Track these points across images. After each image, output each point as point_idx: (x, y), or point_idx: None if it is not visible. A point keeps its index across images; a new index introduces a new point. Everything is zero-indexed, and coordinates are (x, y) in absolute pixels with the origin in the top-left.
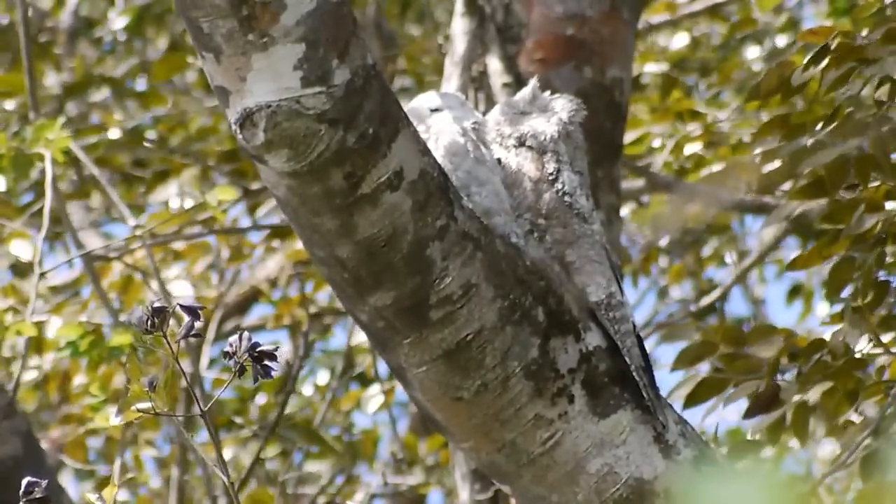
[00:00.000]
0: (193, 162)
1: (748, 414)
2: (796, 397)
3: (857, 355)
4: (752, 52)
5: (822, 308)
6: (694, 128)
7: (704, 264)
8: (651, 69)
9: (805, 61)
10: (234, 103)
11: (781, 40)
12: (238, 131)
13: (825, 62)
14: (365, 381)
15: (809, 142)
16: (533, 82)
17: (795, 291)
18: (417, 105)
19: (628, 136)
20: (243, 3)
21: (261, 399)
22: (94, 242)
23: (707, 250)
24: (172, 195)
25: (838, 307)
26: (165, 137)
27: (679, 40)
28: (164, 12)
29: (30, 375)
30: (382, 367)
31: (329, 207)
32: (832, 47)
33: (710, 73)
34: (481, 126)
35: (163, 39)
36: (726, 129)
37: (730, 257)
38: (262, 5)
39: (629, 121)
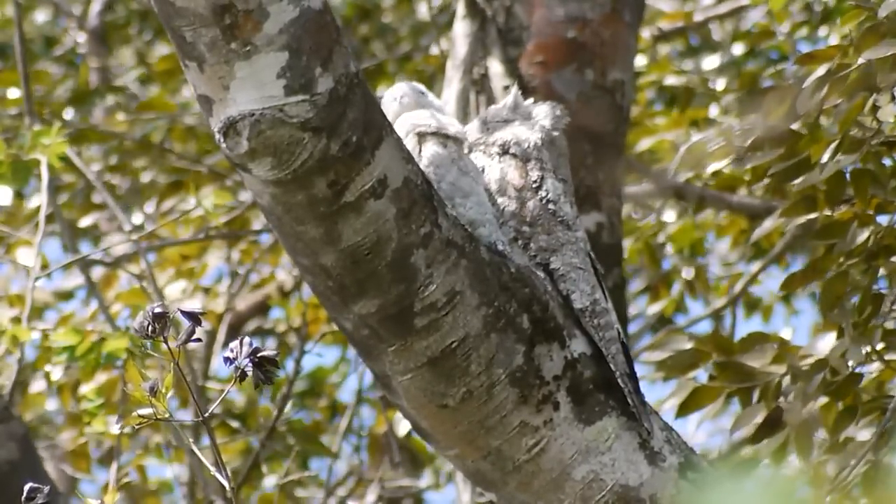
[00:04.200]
0: (206, 171)
1: (755, 439)
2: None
3: (856, 370)
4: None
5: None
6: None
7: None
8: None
9: (804, 86)
10: (218, 112)
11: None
12: (221, 140)
13: (826, 88)
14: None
15: (823, 170)
16: (514, 90)
17: (754, 306)
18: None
19: (644, 144)
20: (226, 11)
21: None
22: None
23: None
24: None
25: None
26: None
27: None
28: (126, 25)
29: (41, 385)
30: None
31: (313, 215)
32: (831, 70)
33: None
34: (464, 135)
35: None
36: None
37: (687, 273)
38: (244, 14)
39: (644, 129)
